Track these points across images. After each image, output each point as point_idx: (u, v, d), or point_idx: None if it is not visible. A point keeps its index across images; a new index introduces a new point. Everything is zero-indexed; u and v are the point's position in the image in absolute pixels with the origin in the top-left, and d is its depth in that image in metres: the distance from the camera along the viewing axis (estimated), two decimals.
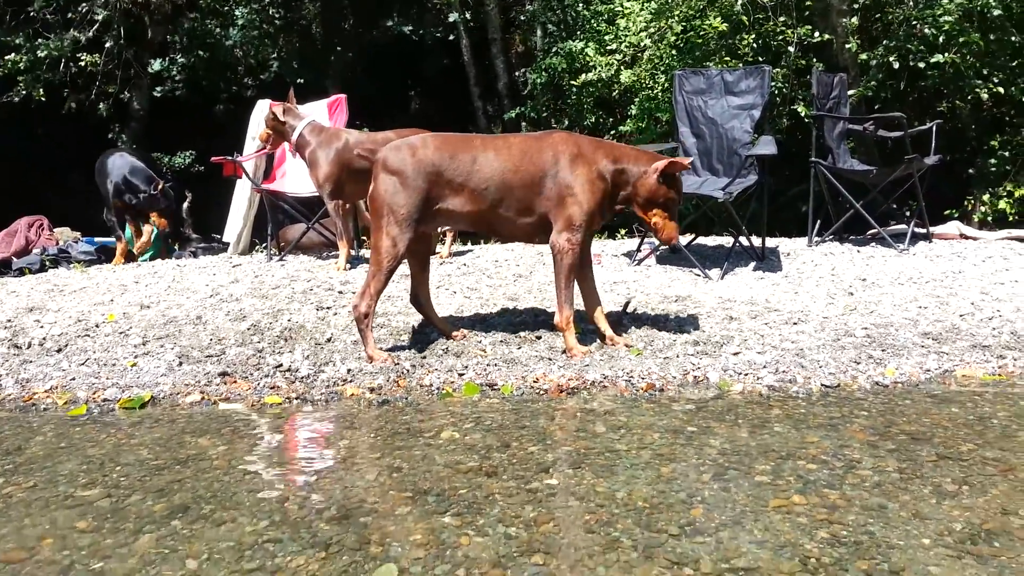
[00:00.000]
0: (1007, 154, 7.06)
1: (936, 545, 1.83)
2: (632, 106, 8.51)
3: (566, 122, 10.42)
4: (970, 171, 7.35)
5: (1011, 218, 6.90)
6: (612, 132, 9.21)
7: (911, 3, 7.08)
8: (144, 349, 3.58)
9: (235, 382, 3.19)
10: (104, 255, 6.29)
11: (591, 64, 8.65)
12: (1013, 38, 6.95)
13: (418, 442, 2.54)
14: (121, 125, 11.60)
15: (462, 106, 12.22)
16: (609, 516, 2.00)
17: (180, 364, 3.40)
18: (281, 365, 3.32)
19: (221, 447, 2.54)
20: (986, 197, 7.08)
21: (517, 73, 11.87)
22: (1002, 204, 6.97)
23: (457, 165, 3.25)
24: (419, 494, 2.14)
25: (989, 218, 7.02)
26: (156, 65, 10.92)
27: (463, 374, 3.24)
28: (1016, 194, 6.98)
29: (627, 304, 3.97)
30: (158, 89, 11.02)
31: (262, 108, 5.96)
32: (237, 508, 2.09)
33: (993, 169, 7.07)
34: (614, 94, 9.03)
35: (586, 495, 2.13)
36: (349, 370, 3.28)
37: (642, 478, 2.24)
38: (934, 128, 5.60)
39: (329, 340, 3.61)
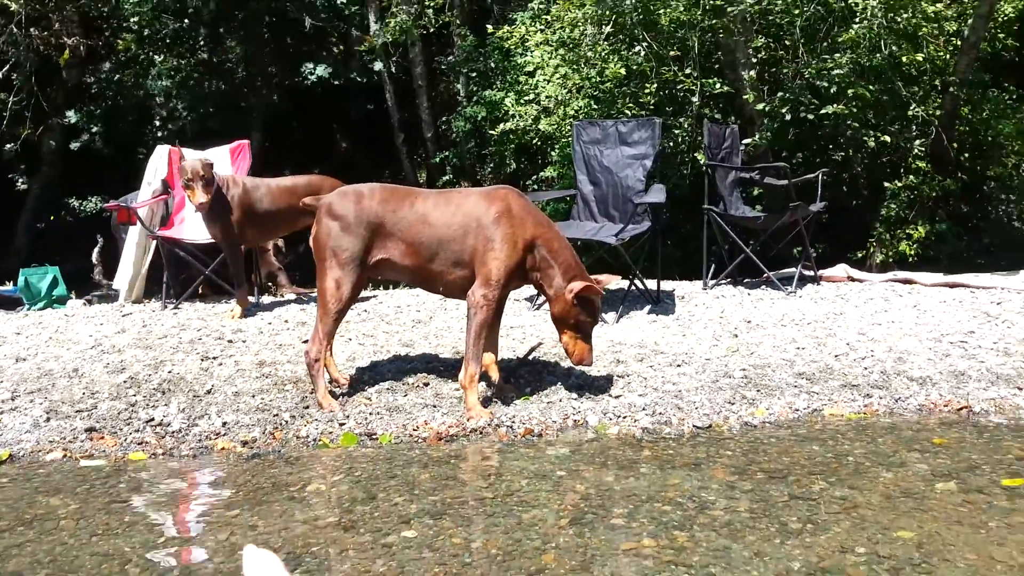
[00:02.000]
0: (905, 198, 7.45)
1: None
2: (552, 152, 8.70)
3: (490, 166, 10.57)
4: (873, 215, 7.72)
5: (911, 259, 7.26)
6: (534, 177, 9.37)
7: (805, 58, 7.47)
8: (12, 404, 3.42)
9: (102, 438, 3.08)
10: None
11: (511, 113, 8.81)
12: (902, 91, 7.40)
13: (280, 496, 2.49)
14: (30, 168, 11.23)
15: (387, 150, 12.27)
16: (459, 567, 1.99)
17: (47, 420, 3.26)
18: (153, 419, 3.22)
19: (72, 506, 2.44)
20: (887, 239, 7.43)
21: (441, 119, 12.02)
22: (902, 246, 7.33)
23: (399, 219, 3.26)
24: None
25: (890, 259, 7.37)
26: (73, 117, 10.63)
27: (343, 424, 3.20)
28: (914, 236, 7.36)
29: (532, 350, 4.00)
30: (74, 143, 10.69)
31: (161, 154, 5.85)
32: (75, 572, 2.01)
33: (892, 213, 7.44)
34: (534, 141, 9.23)
35: (441, 546, 2.11)
36: (224, 423, 3.20)
37: (501, 526, 2.25)
38: (819, 177, 5.87)
39: (209, 392, 3.52)
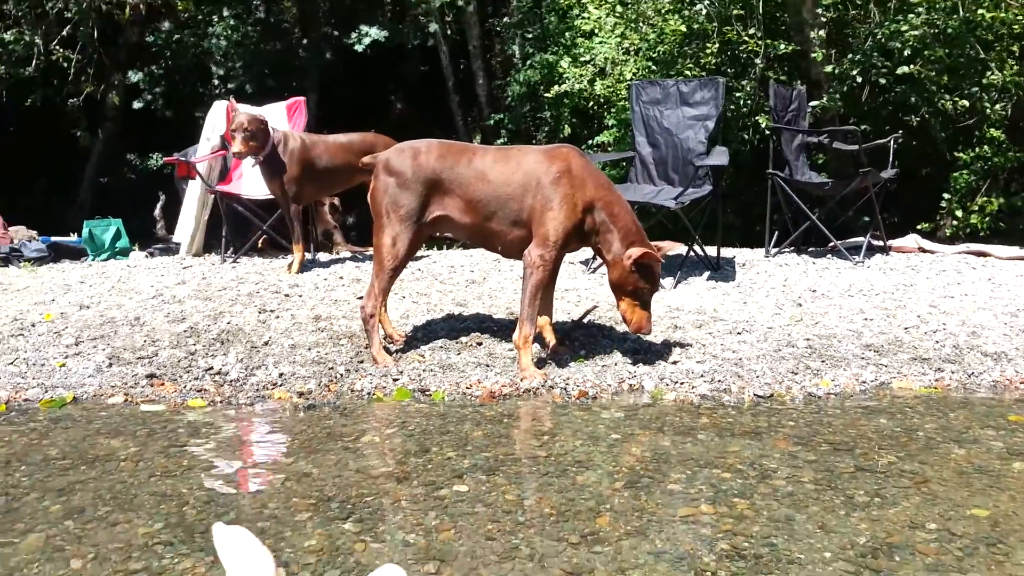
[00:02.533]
0: (978, 168, 7.11)
1: (836, 559, 1.80)
2: (608, 116, 8.52)
3: (545, 130, 10.42)
4: (944, 186, 7.39)
5: (982, 232, 6.93)
6: (589, 142, 9.22)
7: (877, 18, 7.13)
8: (76, 350, 3.51)
9: (162, 384, 3.13)
10: (56, 253, 6.19)
11: (566, 76, 8.65)
12: (980, 55, 7.02)
13: (335, 446, 2.49)
14: (92, 124, 11.48)
15: (442, 112, 12.21)
16: (513, 524, 1.96)
17: (110, 365, 3.33)
18: (211, 368, 3.26)
19: (132, 448, 2.48)
20: (959, 212, 7.11)
21: (496, 82, 11.88)
22: (973, 219, 7.00)
23: (456, 175, 3.21)
24: (323, 500, 2.09)
25: (960, 232, 7.05)
26: (134, 77, 10.80)
27: (397, 379, 3.19)
28: (987, 208, 7.02)
29: (586, 313, 3.94)
30: (137, 102, 10.87)
31: (219, 109, 5.90)
32: (135, 510, 2.04)
33: (964, 183, 7.11)
34: (590, 105, 9.04)
35: (494, 502, 2.09)
36: (281, 374, 3.22)
37: (555, 485, 2.21)
38: (891, 142, 5.62)
39: (266, 343, 3.55)
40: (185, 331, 3.67)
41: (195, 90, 11.29)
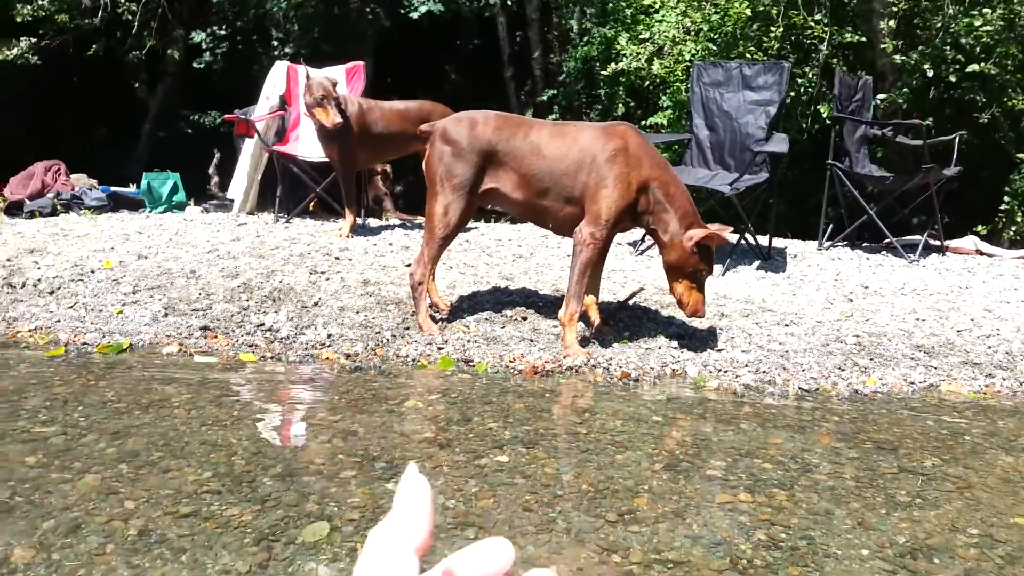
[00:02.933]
0: None
1: (874, 557, 1.80)
2: (664, 97, 8.41)
3: (599, 108, 10.33)
4: (1005, 188, 7.17)
5: None
6: (643, 122, 9.12)
7: (950, 11, 6.89)
8: (133, 298, 3.62)
9: (215, 337, 3.22)
10: (115, 202, 6.36)
11: (623, 53, 8.54)
12: None
13: (380, 409, 2.54)
14: (152, 79, 11.69)
15: (496, 84, 12.16)
16: (551, 497, 1.99)
17: (165, 315, 3.43)
18: (263, 324, 3.34)
19: (185, 396, 2.56)
20: (1019, 216, 6.89)
21: (552, 56, 11.77)
22: None
23: (512, 148, 3.21)
24: (367, 460, 2.14)
25: (1020, 236, 6.84)
26: (196, 37, 10.95)
27: (442, 348, 3.23)
28: None
29: (632, 295, 3.93)
30: (197, 62, 11.02)
31: (279, 70, 5.96)
32: (185, 457, 2.11)
33: None
34: (646, 84, 8.93)
35: (533, 474, 2.12)
36: (330, 335, 3.29)
37: (594, 463, 2.23)
38: (956, 139, 5.46)
39: (316, 304, 3.62)
40: (239, 287, 3.76)
41: (254, 51, 11.41)
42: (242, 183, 5.98)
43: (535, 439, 2.37)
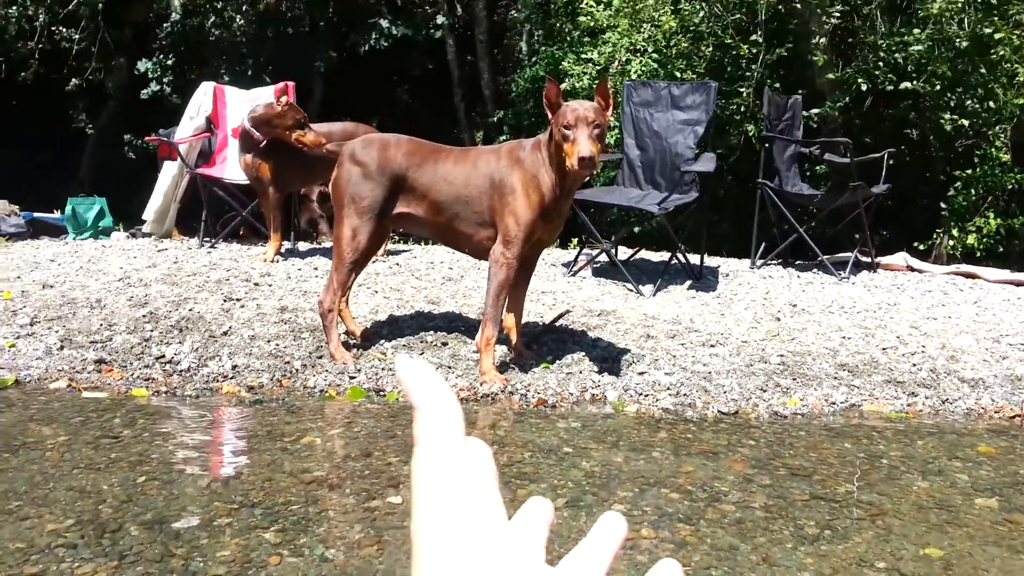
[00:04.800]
0: (978, 188, 7.00)
1: None
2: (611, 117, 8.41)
3: (548, 127, 10.30)
4: (941, 204, 7.28)
5: (979, 254, 6.82)
6: None
7: (883, 28, 7.02)
8: (29, 330, 3.42)
9: (111, 370, 3.04)
10: (35, 229, 6.10)
11: (570, 73, 8.52)
12: (981, 69, 6.91)
13: (273, 446, 2.39)
14: (95, 104, 11.37)
15: (447, 106, 12.09)
16: None
17: (61, 348, 3.24)
18: (163, 356, 3.17)
19: (62, 437, 2.39)
20: (955, 231, 6.99)
21: (501, 78, 11.76)
22: (970, 239, 6.89)
23: (422, 173, 3.11)
24: (245, 506, 2.00)
25: (957, 252, 6.93)
26: (142, 66, 10.65)
27: (354, 377, 3.10)
28: (984, 229, 6.91)
29: (559, 317, 3.84)
30: (144, 91, 10.69)
31: (205, 90, 5.80)
32: (48, 505, 1.95)
33: (962, 203, 7.00)
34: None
35: None
36: (235, 366, 3.13)
37: None
38: (884, 157, 5.51)
39: (225, 333, 3.46)
40: (144, 316, 3.58)
41: (203, 77, 11.18)
42: (156, 203, 5.78)
43: None
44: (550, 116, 3.00)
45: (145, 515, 1.92)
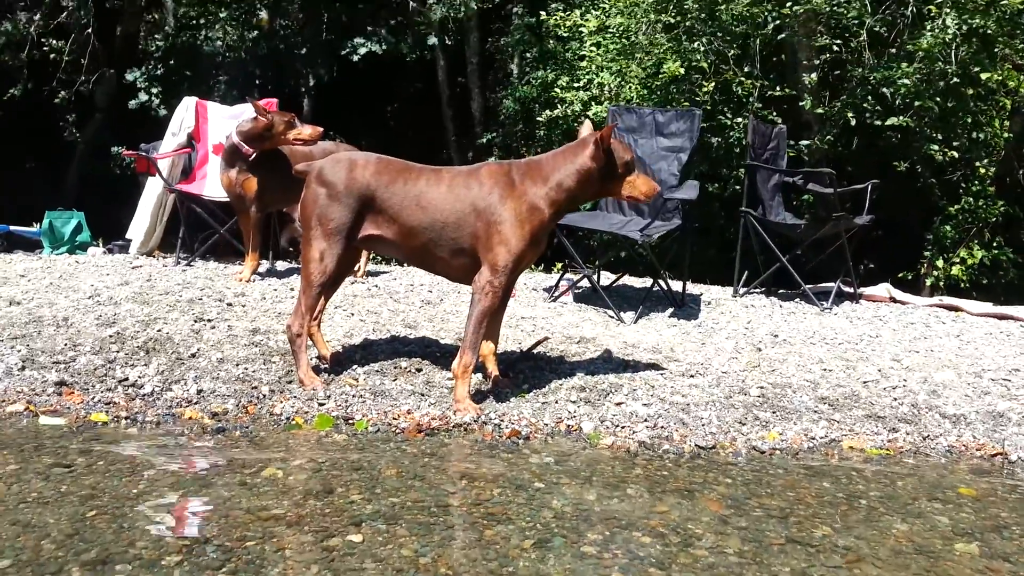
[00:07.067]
0: (963, 220, 7.02)
1: None
2: None
3: (537, 150, 10.27)
4: (927, 235, 7.29)
5: (963, 285, 6.83)
6: None
7: (871, 62, 7.04)
8: None
9: (71, 393, 2.94)
10: (9, 243, 5.99)
11: (561, 98, 8.49)
12: (971, 108, 6.95)
13: (232, 480, 2.30)
14: (83, 116, 11.25)
15: (436, 126, 12.06)
16: None
17: (22, 368, 3.14)
18: (127, 379, 3.08)
19: (12, 466, 2.29)
20: (940, 262, 6.99)
21: (491, 97, 11.75)
22: (955, 270, 6.89)
23: (392, 195, 3.02)
24: (199, 543, 1.91)
25: (941, 283, 6.93)
26: (130, 76, 10.56)
27: (323, 404, 3.01)
28: (969, 261, 6.91)
29: (536, 344, 3.78)
30: (133, 102, 10.59)
31: (187, 105, 5.73)
32: None
33: (947, 234, 7.02)
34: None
35: (387, 557, 1.91)
36: (200, 391, 3.04)
37: (459, 540, 2.03)
38: (868, 188, 5.51)
39: (193, 355, 3.37)
40: (110, 336, 3.48)
41: (191, 86, 11.10)
42: (143, 222, 5.69)
43: (399, 513, 2.16)
44: (593, 149, 3.00)
45: (90, 552, 1.83)
